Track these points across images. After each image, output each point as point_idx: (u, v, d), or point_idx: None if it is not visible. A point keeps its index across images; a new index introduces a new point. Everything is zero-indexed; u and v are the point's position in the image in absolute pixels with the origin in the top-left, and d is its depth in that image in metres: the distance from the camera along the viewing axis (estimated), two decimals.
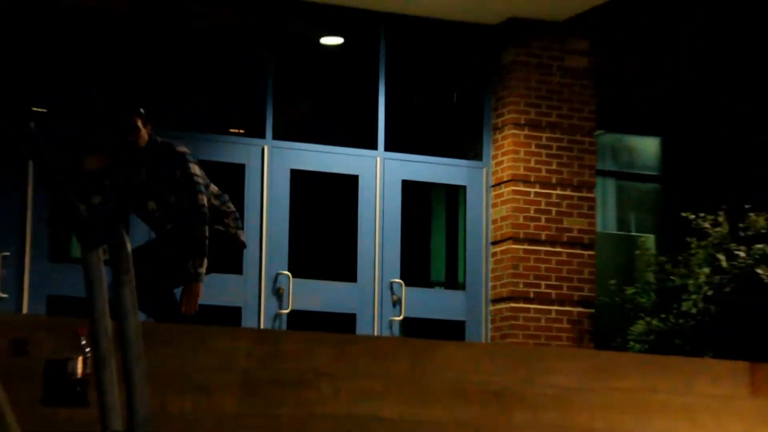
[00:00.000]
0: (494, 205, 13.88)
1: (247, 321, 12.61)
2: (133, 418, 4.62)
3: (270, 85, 13.19)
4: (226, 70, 13.40)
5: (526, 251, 13.60)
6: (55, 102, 12.73)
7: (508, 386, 7.09)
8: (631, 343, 13.18)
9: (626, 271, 14.57)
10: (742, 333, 11.76)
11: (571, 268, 13.75)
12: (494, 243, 13.80)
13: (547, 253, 13.68)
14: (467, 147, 14.11)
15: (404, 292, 13.31)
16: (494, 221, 13.84)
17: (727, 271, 12.52)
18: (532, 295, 13.54)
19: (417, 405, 6.70)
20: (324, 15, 13.65)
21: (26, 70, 12.27)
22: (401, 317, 13.24)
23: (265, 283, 12.90)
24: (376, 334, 12.87)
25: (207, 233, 8.58)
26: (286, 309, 12.81)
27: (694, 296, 12.72)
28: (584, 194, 13.93)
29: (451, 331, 13.51)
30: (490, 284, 13.76)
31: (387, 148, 13.59)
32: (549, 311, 13.59)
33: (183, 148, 8.91)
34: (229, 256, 9.32)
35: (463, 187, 13.97)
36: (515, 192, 13.68)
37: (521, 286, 13.54)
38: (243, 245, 9.17)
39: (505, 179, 13.79)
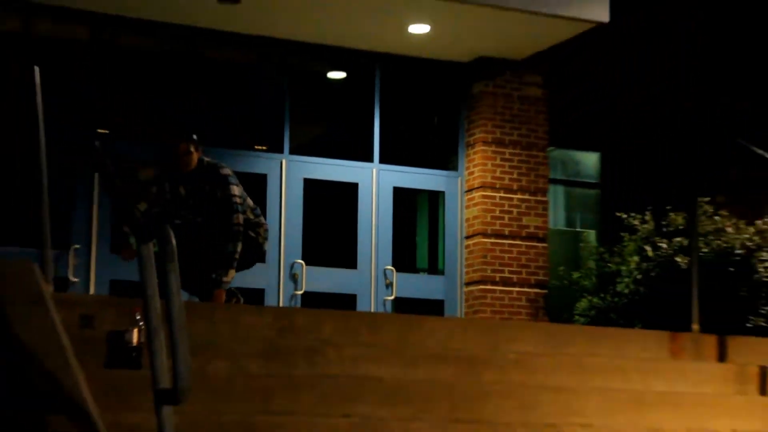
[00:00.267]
0: (467, 207, 13.86)
1: (269, 300, 12.60)
2: (177, 378, 4.61)
3: (287, 110, 13.18)
4: (253, 99, 13.39)
5: (492, 244, 13.59)
6: (117, 124, 12.70)
7: (478, 352, 7.08)
8: (576, 317, 13.18)
9: (572, 260, 14.56)
10: (663, 308, 11.76)
11: (529, 257, 13.74)
12: (467, 237, 13.78)
13: (509, 245, 13.66)
14: (445, 160, 14.07)
15: (395, 276, 13.28)
16: (467, 220, 13.83)
17: (653, 259, 12.51)
18: (497, 279, 13.53)
19: (405, 367, 6.69)
20: (330, 55, 13.64)
21: (95, 96, 12.25)
22: (393, 297, 13.22)
23: (283, 269, 12.88)
24: (372, 310, 12.86)
25: (238, 248, 8.52)
26: (300, 290, 12.80)
27: (626, 279, 12.71)
28: (539, 198, 13.91)
29: (433, 308, 13.49)
30: (464, 270, 13.74)
31: (381, 161, 13.56)
32: (511, 292, 13.58)
33: (226, 171, 8.81)
34: (252, 261, 9.17)
35: (442, 193, 13.96)
36: (484, 196, 13.67)
37: (489, 271, 13.52)
38: (263, 255, 9.17)
39: (475, 186, 13.77)
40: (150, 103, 12.92)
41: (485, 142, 13.72)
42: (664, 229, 12.71)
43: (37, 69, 6.86)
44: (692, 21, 15.18)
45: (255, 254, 8.98)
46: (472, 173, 13.84)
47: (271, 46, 13.22)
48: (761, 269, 12.39)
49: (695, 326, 8.02)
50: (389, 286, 13.26)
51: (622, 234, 13.15)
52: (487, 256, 13.55)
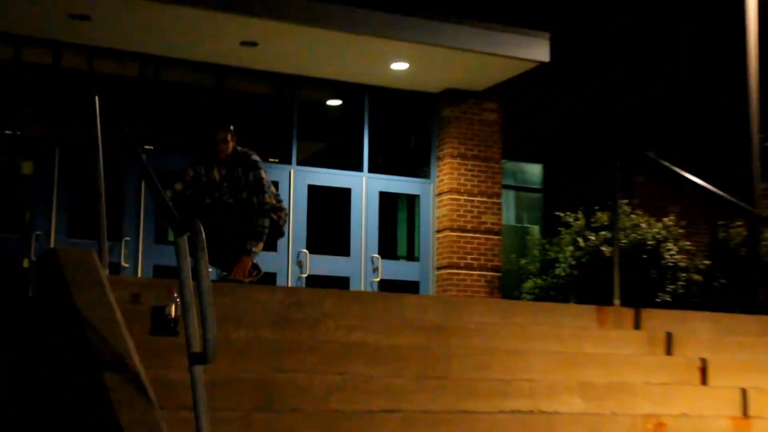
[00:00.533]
0: (437, 207, 13.86)
1: (280, 281, 12.60)
2: (206, 343, 4.61)
3: (295, 130, 13.19)
4: (268, 121, 13.37)
5: (457, 236, 13.59)
6: (160, 140, 12.69)
7: (446, 322, 7.07)
8: (524, 294, 13.22)
9: (521, 249, 14.59)
10: (592, 288, 11.81)
11: (486, 247, 13.74)
12: (437, 231, 13.79)
13: (470, 237, 13.67)
14: (420, 170, 14.07)
15: (380, 263, 13.28)
16: (437, 218, 13.83)
17: (583, 248, 12.55)
18: (461, 264, 13.54)
19: (388, 335, 6.67)
20: (329, 86, 13.64)
21: (142, 119, 12.23)
22: (378, 279, 13.21)
23: (291, 257, 12.86)
24: (362, 289, 12.85)
25: (266, 224, 8.23)
26: (305, 274, 12.78)
27: (563, 265, 12.76)
28: (494, 200, 13.92)
29: (410, 287, 13.49)
30: (435, 257, 13.75)
31: (369, 171, 13.55)
32: (472, 275, 13.58)
33: (256, 157, 8.38)
34: (274, 240, 8.78)
35: (418, 196, 13.96)
36: (451, 199, 13.67)
37: (455, 258, 13.53)
38: (283, 234, 8.66)
39: (444, 191, 13.77)
40: (186, 124, 12.91)
41: (452, 156, 13.74)
42: (592, 225, 12.77)
43: (96, 99, 6.85)
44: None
45: (276, 234, 8.56)
46: (441, 180, 13.85)
47: (283, 80, 13.21)
48: (667, 256, 12.49)
49: (617, 301, 8.03)
50: (375, 270, 13.25)
51: (559, 228, 13.20)
52: (453, 247, 13.57)
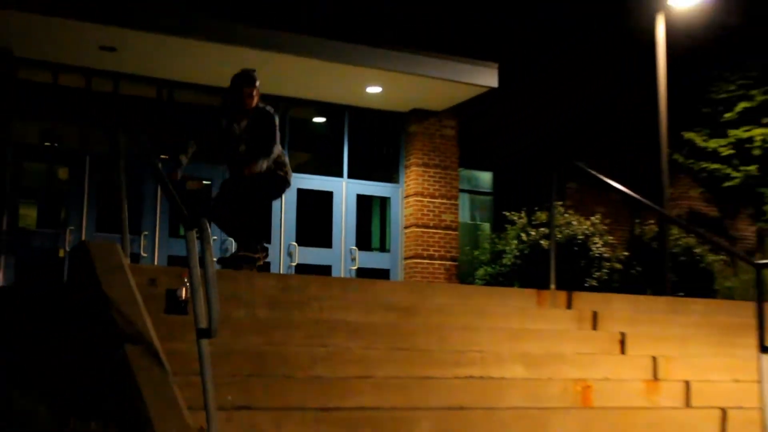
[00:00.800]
0: (405, 207, 13.86)
1: (274, 269, 12.55)
2: (211, 320, 4.59)
3: (287, 142, 13.13)
4: None
5: (421, 232, 13.60)
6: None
7: (412, 304, 7.07)
8: (477, 280, 13.24)
9: (474, 242, 14.60)
10: (533, 274, 11.85)
11: (446, 241, 13.76)
12: (405, 227, 13.79)
13: (432, 233, 13.68)
14: (391, 176, 14.06)
15: (357, 254, 13.26)
16: (405, 216, 13.83)
17: (526, 242, 12.58)
18: (425, 255, 13.54)
19: (364, 314, 6.67)
20: (316, 106, 13.61)
21: (158, 133, 12.16)
22: (356, 267, 13.20)
23: (283, 248, 12.83)
24: (342, 276, 12.84)
25: (272, 156, 7.55)
26: (295, 263, 12.75)
27: (509, 255, 12.78)
28: (452, 202, 13.94)
29: (382, 274, 13.49)
30: (403, 249, 13.75)
31: (349, 177, 13.53)
32: (434, 263, 13.59)
33: (272, 110, 7.69)
34: (280, 193, 8.01)
35: (389, 198, 13.95)
36: (416, 200, 13.68)
37: (419, 250, 13.54)
38: (289, 185, 7.86)
39: (410, 194, 13.77)
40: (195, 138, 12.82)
41: (417, 165, 13.73)
42: (533, 223, 12.80)
43: (120, 116, 6.81)
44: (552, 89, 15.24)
45: (283, 188, 7.87)
46: (408, 185, 13.84)
47: (278, 101, 13.15)
48: (593, 249, 12.53)
49: (552, 286, 8.05)
50: (353, 259, 13.23)
51: (506, 225, 13.23)
52: (418, 240, 13.57)
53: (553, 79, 15.09)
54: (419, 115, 13.80)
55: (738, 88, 15.93)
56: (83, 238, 11.44)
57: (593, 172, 8.16)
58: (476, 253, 13.90)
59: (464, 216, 15.20)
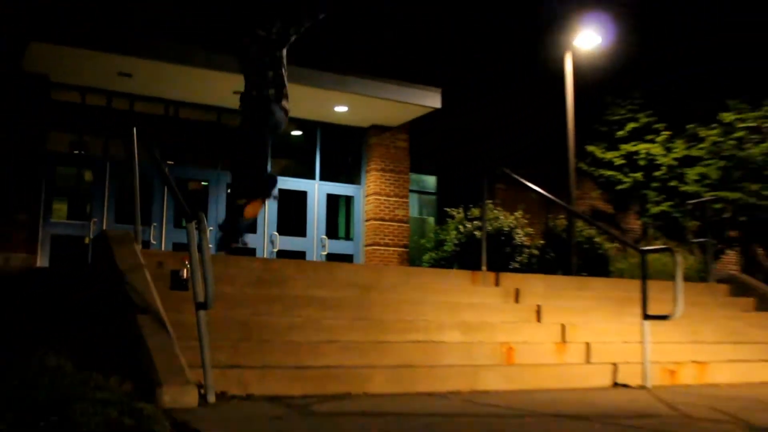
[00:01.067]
0: (366, 204, 13.83)
1: (259, 254, 12.46)
2: (207, 295, 4.56)
3: (269, 152, 13.00)
4: None
5: (379, 224, 13.59)
6: (182, 158, 12.45)
7: (371, 282, 7.08)
8: (423, 263, 13.27)
9: (421, 233, 14.65)
10: (468, 259, 11.89)
11: (399, 231, 13.76)
12: (366, 220, 13.77)
13: (388, 225, 13.67)
14: (355, 179, 14.03)
15: (327, 242, 13.21)
16: (366, 211, 13.81)
17: (463, 233, 12.66)
18: (381, 243, 13.54)
19: (332, 290, 6.67)
20: (293, 121, 13.49)
21: (166, 144, 11.98)
22: (326, 252, 13.14)
23: (266, 237, 12.74)
24: (315, 260, 12.80)
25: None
26: (276, 249, 12.67)
27: (449, 243, 12.84)
28: (404, 200, 13.93)
29: (347, 258, 13.45)
30: (364, 238, 13.74)
31: (321, 179, 13.47)
32: (389, 250, 13.60)
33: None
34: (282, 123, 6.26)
35: (353, 196, 13.91)
36: (375, 198, 13.66)
37: (377, 239, 13.53)
38: (287, 112, 6.14)
39: (370, 193, 13.75)
40: (196, 147, 12.70)
41: (376, 170, 13.71)
42: (468, 217, 12.87)
43: (135, 129, 6.71)
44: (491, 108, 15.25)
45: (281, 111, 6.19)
46: (369, 186, 13.82)
47: None
48: (516, 238, 12.65)
49: (484, 268, 8.11)
50: (324, 246, 13.19)
51: (447, 219, 13.29)
52: (376, 231, 13.55)
53: (487, 101, 15.16)
54: (378, 129, 13.78)
55: (627, 112, 16.60)
56: (104, 228, 11.33)
57: (516, 176, 8.22)
58: (423, 241, 13.95)
59: (414, 212, 15.24)
